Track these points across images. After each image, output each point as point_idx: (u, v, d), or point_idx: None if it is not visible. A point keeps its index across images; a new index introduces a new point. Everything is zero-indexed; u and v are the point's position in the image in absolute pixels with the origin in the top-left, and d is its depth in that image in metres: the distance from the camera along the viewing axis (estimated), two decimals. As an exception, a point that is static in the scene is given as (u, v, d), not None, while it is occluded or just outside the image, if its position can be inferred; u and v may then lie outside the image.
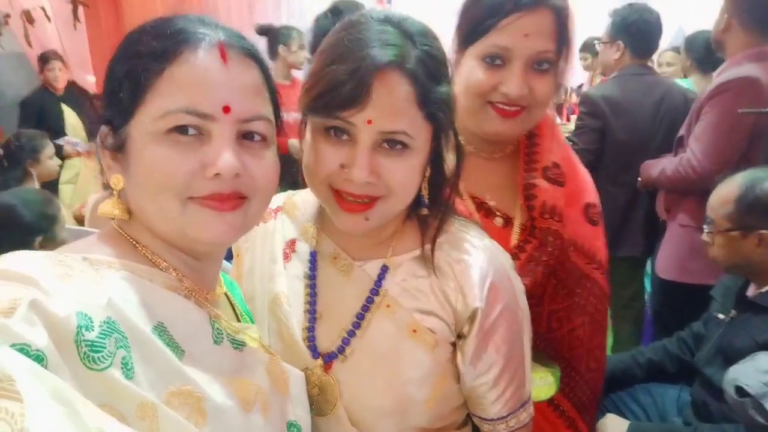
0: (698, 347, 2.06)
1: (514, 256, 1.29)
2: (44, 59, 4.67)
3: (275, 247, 1.15)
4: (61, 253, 0.77)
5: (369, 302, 1.04)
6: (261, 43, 3.86)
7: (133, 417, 0.67)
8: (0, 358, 0.54)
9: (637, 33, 2.89)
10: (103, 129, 0.83)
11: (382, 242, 1.07)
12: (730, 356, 1.74)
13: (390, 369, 1.03)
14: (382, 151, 0.94)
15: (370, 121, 0.90)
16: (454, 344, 1.05)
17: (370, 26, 0.95)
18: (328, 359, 1.04)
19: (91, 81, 5.47)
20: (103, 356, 0.66)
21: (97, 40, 5.47)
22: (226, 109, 0.78)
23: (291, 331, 1.06)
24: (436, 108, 0.95)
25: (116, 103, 0.80)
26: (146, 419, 0.68)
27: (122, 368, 0.69)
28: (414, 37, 0.95)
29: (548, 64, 1.25)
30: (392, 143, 0.94)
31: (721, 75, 2.47)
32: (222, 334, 0.88)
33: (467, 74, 1.28)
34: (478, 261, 1.04)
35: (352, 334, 1.04)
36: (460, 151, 1.06)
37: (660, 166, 2.64)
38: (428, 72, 0.94)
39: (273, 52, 3.95)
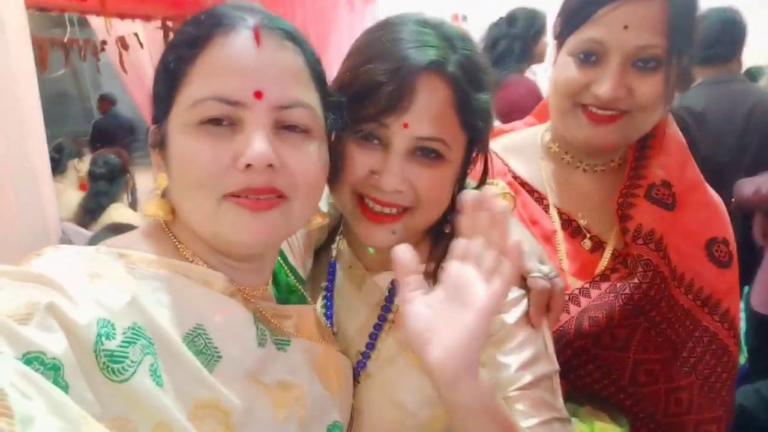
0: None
1: (595, 285, 1.13)
2: None
3: (301, 249, 1.08)
4: (100, 249, 0.75)
5: (381, 320, 0.97)
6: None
7: None
8: None
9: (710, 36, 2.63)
10: (152, 128, 0.81)
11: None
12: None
13: (396, 392, 0.96)
14: (415, 160, 0.88)
15: (406, 125, 0.85)
16: None
17: (408, 27, 0.90)
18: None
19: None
20: (124, 366, 0.64)
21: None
22: (258, 95, 0.73)
23: None
24: (474, 117, 0.89)
25: (157, 99, 0.79)
26: None
27: (151, 375, 0.66)
28: (454, 41, 0.89)
29: (655, 61, 1.08)
30: (427, 151, 0.88)
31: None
32: (266, 335, 0.83)
33: (559, 71, 1.15)
34: None
35: (366, 356, 0.97)
36: (486, 170, 0.97)
37: (755, 185, 2.37)
38: (469, 77, 0.88)
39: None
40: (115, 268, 0.72)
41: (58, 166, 3.73)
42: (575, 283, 1.16)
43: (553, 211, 1.23)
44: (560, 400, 0.93)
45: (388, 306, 0.99)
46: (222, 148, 0.74)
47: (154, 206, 0.82)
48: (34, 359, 0.57)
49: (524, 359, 0.91)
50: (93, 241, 2.93)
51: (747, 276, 2.63)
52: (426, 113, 0.86)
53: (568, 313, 1.12)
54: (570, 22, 1.12)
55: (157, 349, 0.69)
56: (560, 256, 1.19)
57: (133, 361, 0.65)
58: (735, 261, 1.22)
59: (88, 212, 3.54)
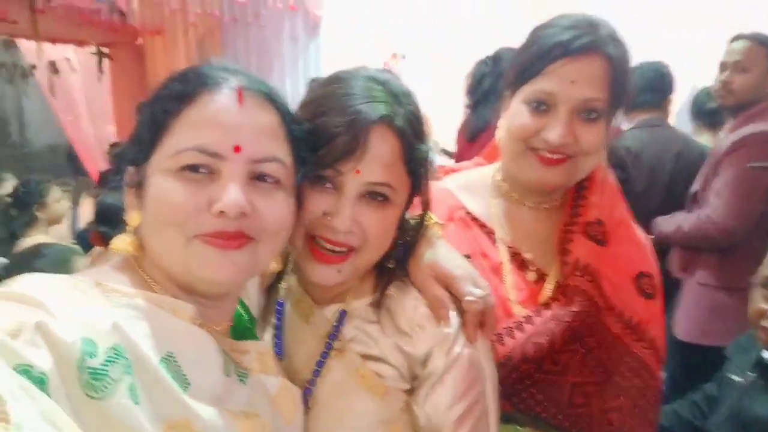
0: (711, 411, 1.92)
1: (538, 313, 1.20)
2: None
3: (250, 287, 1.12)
4: (76, 277, 0.77)
5: (328, 348, 1.01)
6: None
7: None
8: None
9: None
10: (130, 169, 0.85)
11: (343, 288, 1.05)
12: (747, 423, 1.64)
13: (343, 419, 0.99)
14: (364, 202, 0.95)
15: (358, 172, 0.93)
16: (409, 393, 1.00)
17: (359, 82, 0.98)
18: None
19: (111, 131, 5.59)
20: (104, 384, 0.66)
21: (120, 92, 5.61)
22: (237, 149, 0.79)
23: None
24: (418, 165, 0.99)
25: (139, 143, 0.83)
26: None
27: (129, 394, 0.68)
28: (400, 97, 0.98)
29: (596, 113, 1.17)
30: (375, 195, 0.96)
31: (737, 131, 2.42)
32: (231, 366, 0.87)
33: (512, 117, 1.23)
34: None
35: (313, 383, 1.01)
36: (427, 203, 1.06)
37: (675, 223, 2.56)
38: (413, 130, 0.98)
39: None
40: (93, 294, 0.74)
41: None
42: (521, 312, 1.22)
43: (501, 245, 1.29)
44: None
45: (334, 335, 1.03)
46: (198, 192, 0.78)
47: (122, 242, 0.85)
48: (22, 372, 0.59)
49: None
50: (9, 269, 2.77)
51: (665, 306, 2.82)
52: (377, 161, 0.93)
53: (514, 338, 1.18)
54: (523, 74, 1.21)
55: (135, 370, 0.71)
56: (507, 286, 1.25)
57: (112, 379, 0.67)
58: (660, 293, 1.32)
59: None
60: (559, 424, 1.16)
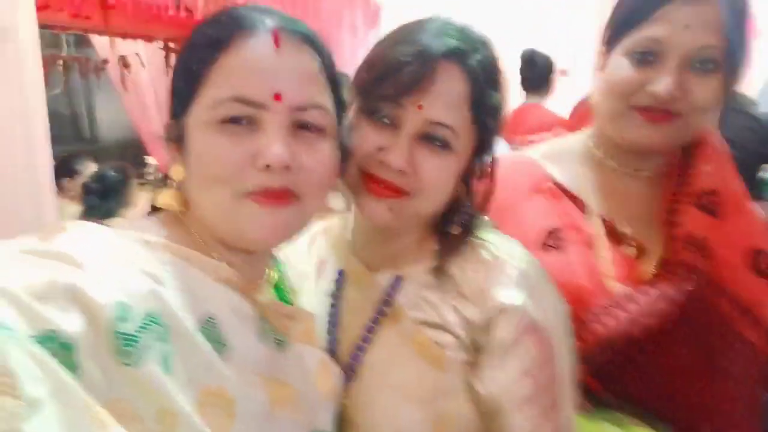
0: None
1: (642, 292, 1.11)
2: None
3: (309, 264, 1.12)
4: (122, 231, 0.76)
5: (380, 314, 0.98)
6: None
7: (151, 419, 0.65)
8: (7, 351, 0.52)
9: None
10: (171, 122, 0.85)
11: (398, 254, 1.02)
12: None
13: (397, 388, 0.95)
14: (423, 145, 0.91)
15: (420, 107, 0.88)
16: (470, 365, 0.96)
17: (434, 22, 0.94)
18: (345, 380, 0.99)
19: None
20: (135, 350, 0.65)
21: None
22: (278, 97, 0.77)
23: None
24: (486, 114, 0.92)
25: (177, 95, 0.82)
26: (163, 424, 0.66)
27: (161, 362, 0.67)
28: (476, 41, 0.93)
29: (713, 63, 1.06)
30: (435, 138, 0.90)
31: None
32: (269, 331, 0.86)
33: (611, 72, 1.12)
34: (503, 267, 0.96)
35: (362, 348, 0.98)
36: (492, 176, 1.00)
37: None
38: (486, 75, 0.92)
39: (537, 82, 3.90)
40: (136, 251, 0.73)
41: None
42: (619, 289, 1.14)
43: (596, 218, 1.21)
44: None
45: (387, 300, 0.99)
46: (241, 146, 0.77)
47: (167, 197, 0.85)
48: (47, 338, 0.57)
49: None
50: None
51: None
52: (442, 98, 0.88)
53: (617, 319, 1.10)
54: (627, 21, 1.11)
55: (171, 336, 0.70)
56: (604, 261, 1.17)
57: (144, 347, 0.66)
58: None
59: None
60: (659, 411, 1.08)
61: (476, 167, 0.99)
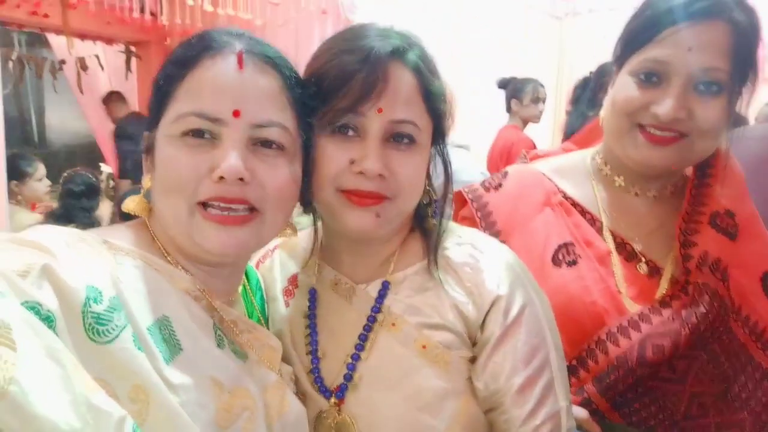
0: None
1: (655, 311, 1.08)
2: None
3: (275, 284, 1.11)
4: (85, 232, 0.80)
5: (371, 321, 0.96)
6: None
7: (125, 397, 0.68)
8: (3, 308, 0.57)
9: None
10: (146, 134, 0.88)
11: (383, 262, 1.01)
12: None
13: (403, 395, 0.92)
14: (392, 146, 0.92)
15: (380, 110, 0.88)
16: (472, 360, 0.95)
17: (369, 26, 0.96)
18: (340, 394, 0.96)
19: (136, 130, 5.54)
20: (108, 329, 0.68)
21: (147, 91, 5.55)
22: (236, 113, 0.80)
23: (297, 375, 1.01)
24: (436, 101, 0.95)
25: (151, 110, 0.87)
26: (138, 402, 0.69)
27: (133, 340, 0.71)
28: (409, 37, 0.96)
29: (717, 86, 1.04)
30: (400, 137, 0.92)
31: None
32: (224, 341, 0.87)
33: (618, 91, 1.11)
34: (487, 260, 0.97)
35: (356, 358, 0.96)
36: (449, 180, 1.01)
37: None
38: (427, 65, 0.95)
39: (507, 106, 3.94)
40: (99, 250, 0.77)
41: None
42: (633, 308, 1.11)
43: (607, 234, 1.18)
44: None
45: (377, 307, 0.97)
46: (200, 158, 0.80)
47: (133, 202, 0.88)
48: (30, 308, 0.61)
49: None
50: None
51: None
52: (398, 96, 0.90)
53: (630, 339, 1.07)
54: (633, 42, 1.10)
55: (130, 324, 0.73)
56: (617, 278, 1.14)
57: (117, 325, 0.69)
58: None
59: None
60: None
61: (434, 155, 1.00)
